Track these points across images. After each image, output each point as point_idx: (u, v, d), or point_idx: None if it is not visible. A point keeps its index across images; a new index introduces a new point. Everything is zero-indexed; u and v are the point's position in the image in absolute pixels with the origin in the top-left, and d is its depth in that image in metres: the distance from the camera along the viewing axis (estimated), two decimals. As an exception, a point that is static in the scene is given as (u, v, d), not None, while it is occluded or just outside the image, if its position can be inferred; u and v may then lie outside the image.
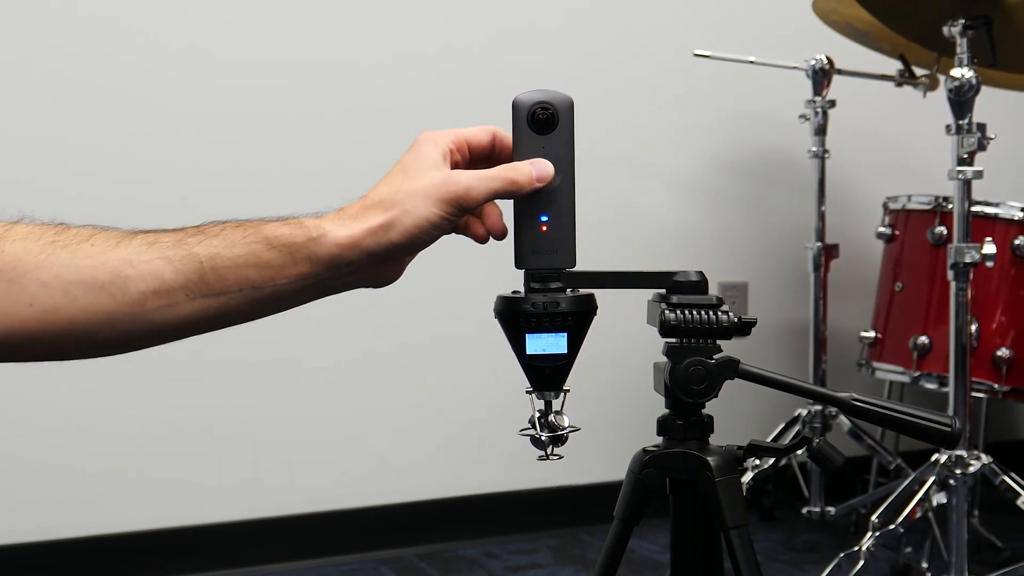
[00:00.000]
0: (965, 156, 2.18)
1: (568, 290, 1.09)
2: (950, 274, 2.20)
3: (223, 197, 2.62)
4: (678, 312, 1.11)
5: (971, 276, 2.20)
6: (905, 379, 2.65)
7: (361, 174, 2.88)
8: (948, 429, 1.14)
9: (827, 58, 2.68)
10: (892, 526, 2.17)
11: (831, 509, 2.71)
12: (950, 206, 2.46)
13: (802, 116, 2.73)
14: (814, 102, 2.69)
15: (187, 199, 2.59)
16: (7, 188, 2.45)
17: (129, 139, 2.55)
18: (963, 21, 2.18)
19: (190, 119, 2.60)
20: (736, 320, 1.11)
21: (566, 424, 1.10)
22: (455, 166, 1.00)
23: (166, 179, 2.58)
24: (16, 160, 2.46)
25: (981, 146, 2.18)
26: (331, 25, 2.71)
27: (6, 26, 2.44)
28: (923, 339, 2.59)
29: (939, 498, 2.19)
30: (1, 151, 2.45)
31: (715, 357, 1.11)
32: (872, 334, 2.75)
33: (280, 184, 2.67)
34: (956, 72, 2.17)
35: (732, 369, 1.12)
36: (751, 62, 2.70)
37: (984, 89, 2.19)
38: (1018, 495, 2.17)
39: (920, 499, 2.18)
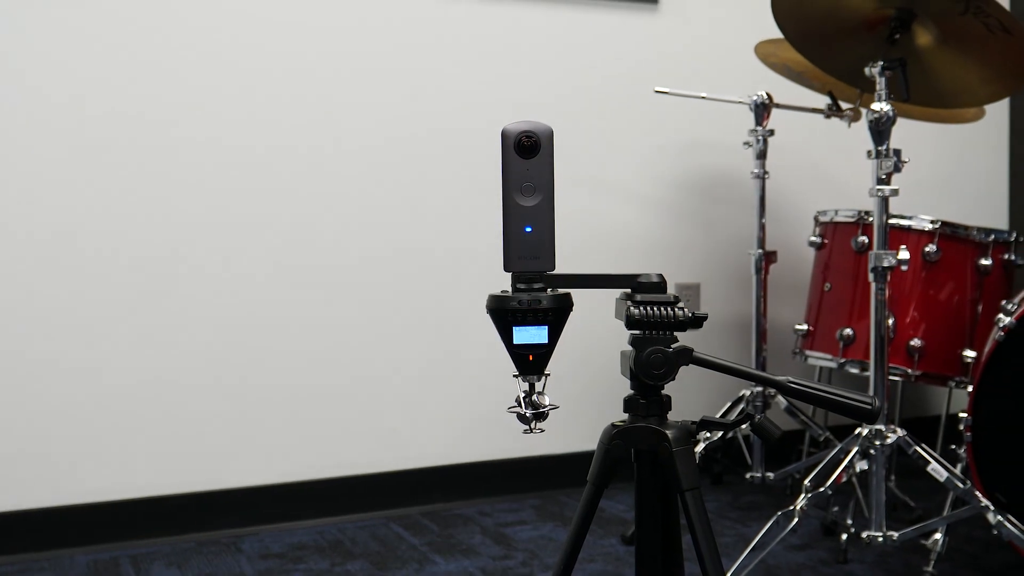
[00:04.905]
0: (883, 177, 2.18)
1: (548, 290, 1.09)
2: (871, 276, 2.20)
3: (254, 209, 2.62)
4: (641, 308, 1.11)
5: (888, 278, 2.20)
6: (833, 365, 2.65)
7: (377, 189, 2.89)
8: (869, 407, 1.14)
9: (767, 94, 2.68)
10: (822, 489, 2.17)
11: (770, 475, 2.71)
12: (871, 219, 2.46)
13: (746, 143, 2.73)
14: (756, 131, 2.69)
15: (226, 215, 2.59)
16: (67, 206, 2.45)
17: (181, 170, 2.55)
18: (882, 63, 2.18)
19: (239, 152, 2.60)
20: (690, 315, 1.11)
21: (547, 403, 1.10)
22: None
23: (210, 199, 2.57)
24: (77, 182, 2.46)
25: (897, 168, 2.18)
26: (358, 70, 2.71)
27: (77, 67, 2.44)
28: (848, 331, 2.59)
29: (861, 465, 2.19)
30: (65, 175, 2.45)
31: (672, 346, 1.12)
32: (805, 327, 2.75)
33: (310, 203, 2.67)
34: (876, 106, 2.17)
35: (687, 356, 1.12)
36: (703, 97, 2.70)
37: (900, 120, 2.19)
38: (928, 463, 2.17)
39: (845, 466, 2.19)
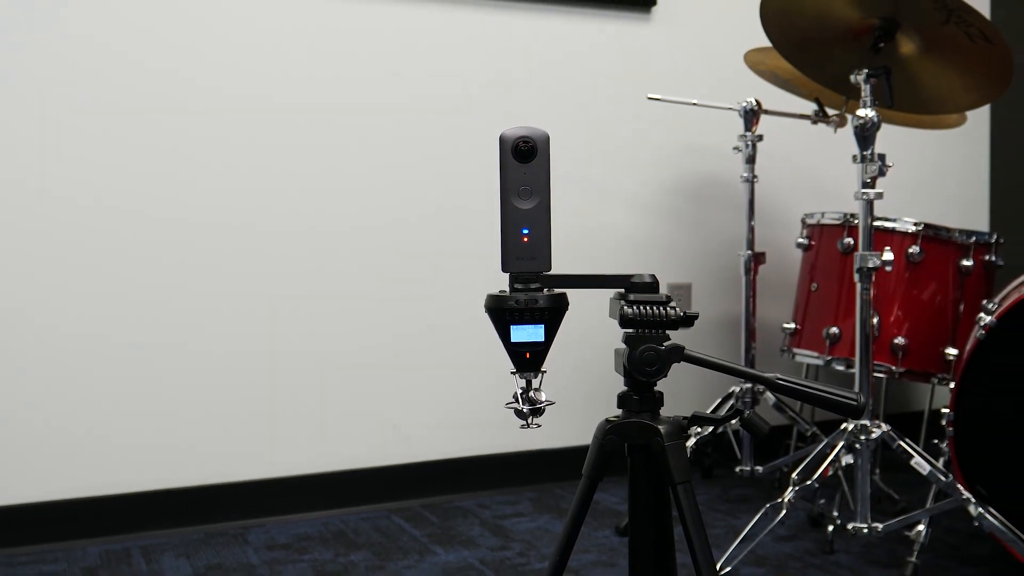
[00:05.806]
0: (868, 180, 2.19)
1: (545, 289, 1.09)
2: (856, 277, 2.21)
3: (273, 213, 2.62)
4: (634, 307, 1.11)
5: (873, 278, 2.21)
6: (819, 362, 2.66)
7: (380, 192, 2.89)
8: (854, 403, 1.15)
9: (756, 101, 2.68)
10: (809, 482, 2.18)
11: (759, 468, 2.71)
12: (856, 221, 2.46)
13: (735, 148, 2.73)
14: (745, 136, 2.69)
15: (250, 219, 2.59)
16: (91, 209, 2.45)
17: (193, 169, 2.55)
18: (867, 70, 2.18)
19: (249, 153, 2.60)
20: (682, 314, 1.12)
21: (543, 399, 1.11)
22: None
23: (223, 201, 2.57)
24: (105, 187, 2.46)
25: (881, 172, 2.18)
26: (360, 75, 2.71)
27: (99, 73, 2.44)
28: (834, 330, 2.59)
29: (847, 459, 2.19)
30: (89, 177, 2.45)
31: (665, 344, 1.12)
32: (792, 325, 2.76)
33: (318, 202, 2.67)
34: (861, 112, 2.17)
35: (678, 354, 1.12)
36: (694, 104, 2.70)
37: (884, 126, 2.19)
38: (911, 456, 2.18)
39: (831, 460, 2.19)
